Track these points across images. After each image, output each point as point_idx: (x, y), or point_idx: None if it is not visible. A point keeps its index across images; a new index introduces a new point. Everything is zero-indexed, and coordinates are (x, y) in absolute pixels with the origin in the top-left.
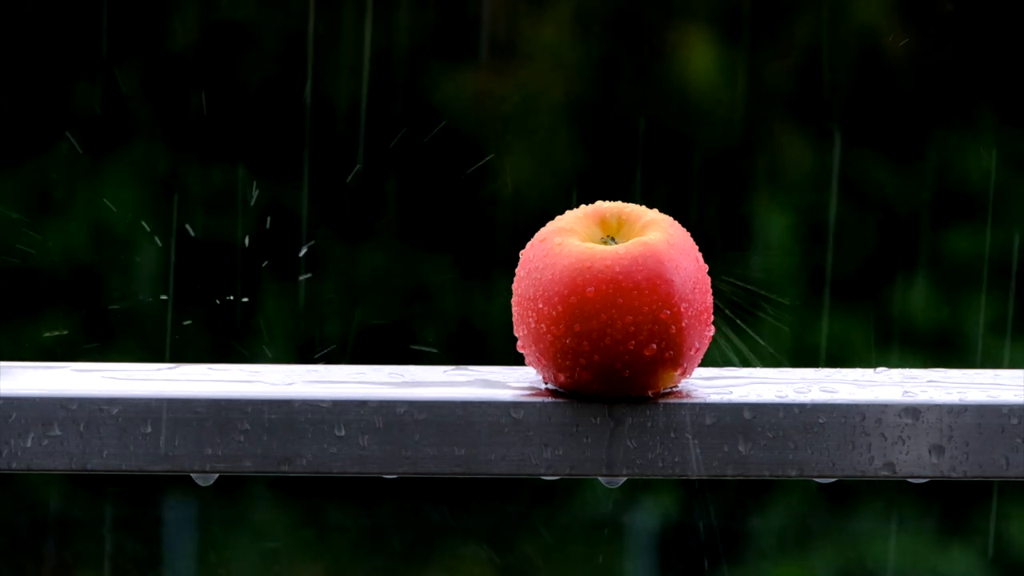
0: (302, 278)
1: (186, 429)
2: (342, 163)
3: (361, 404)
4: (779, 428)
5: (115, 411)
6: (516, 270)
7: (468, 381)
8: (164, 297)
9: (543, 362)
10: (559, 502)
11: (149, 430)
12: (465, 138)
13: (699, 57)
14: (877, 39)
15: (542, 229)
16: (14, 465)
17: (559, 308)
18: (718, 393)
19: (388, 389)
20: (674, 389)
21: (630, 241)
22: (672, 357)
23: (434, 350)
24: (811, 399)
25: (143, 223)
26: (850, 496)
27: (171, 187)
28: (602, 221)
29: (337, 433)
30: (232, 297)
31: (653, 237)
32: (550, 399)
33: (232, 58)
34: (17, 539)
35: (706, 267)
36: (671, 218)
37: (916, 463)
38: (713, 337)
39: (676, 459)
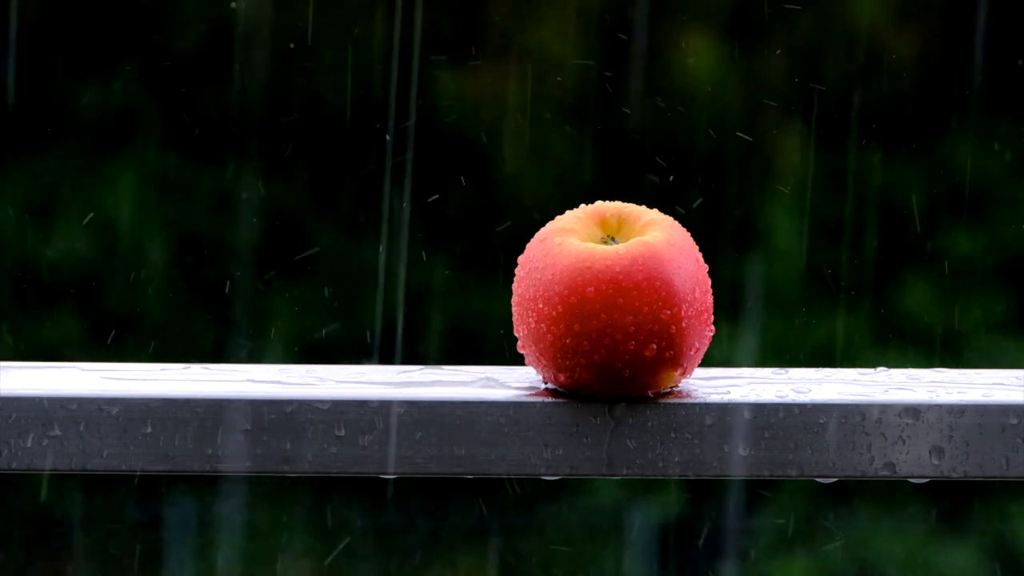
0: (303, 278)
1: (186, 429)
2: (342, 163)
3: (361, 404)
4: (779, 428)
5: (115, 411)
6: (516, 270)
7: (468, 381)
8: (165, 297)
9: (543, 362)
10: (559, 502)
11: (149, 430)
12: (465, 137)
13: (699, 57)
14: (878, 37)
15: (542, 229)
16: (14, 465)
17: (559, 308)
18: (718, 393)
19: (388, 389)
20: (674, 389)
21: (630, 241)
22: (672, 357)
23: (434, 350)
24: (811, 399)
25: (144, 223)
26: (850, 496)
27: (173, 187)
28: (602, 221)
29: (337, 433)
30: (233, 297)
31: (653, 237)
32: (550, 399)
33: (233, 58)
34: (17, 539)
35: (706, 267)
36: (671, 218)
37: (916, 463)
38: (713, 337)
39: (676, 459)
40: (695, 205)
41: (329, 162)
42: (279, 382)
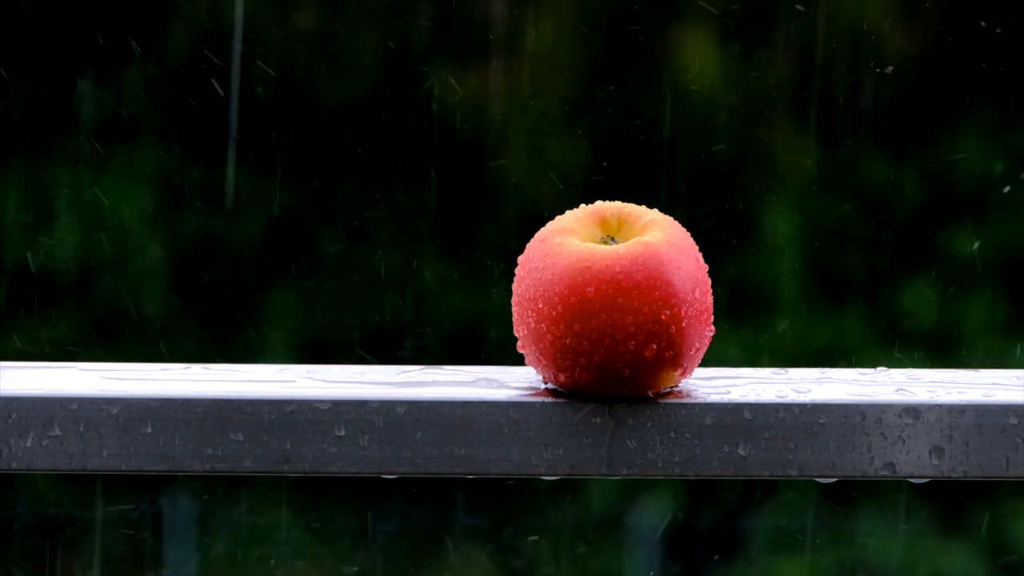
0: (302, 278)
1: (186, 429)
2: (342, 163)
3: (361, 404)
4: (779, 428)
5: (115, 411)
6: (516, 270)
7: (468, 381)
8: (165, 297)
9: (543, 362)
10: (559, 502)
11: (149, 430)
12: (464, 137)
13: (699, 56)
14: (878, 37)
15: (542, 229)
16: (14, 465)
17: (559, 308)
18: (718, 393)
19: (388, 389)
20: (674, 389)
21: (630, 241)
22: (672, 357)
23: (434, 350)
24: (811, 399)
25: (145, 223)
26: (850, 496)
27: (172, 187)
28: (602, 221)
29: (337, 433)
30: (233, 297)
31: (653, 237)
32: (550, 399)
33: (232, 57)
34: (17, 539)
35: (706, 267)
36: (671, 218)
37: (916, 463)
38: (713, 337)
39: (676, 459)
40: (695, 205)
41: (329, 162)
42: (279, 382)
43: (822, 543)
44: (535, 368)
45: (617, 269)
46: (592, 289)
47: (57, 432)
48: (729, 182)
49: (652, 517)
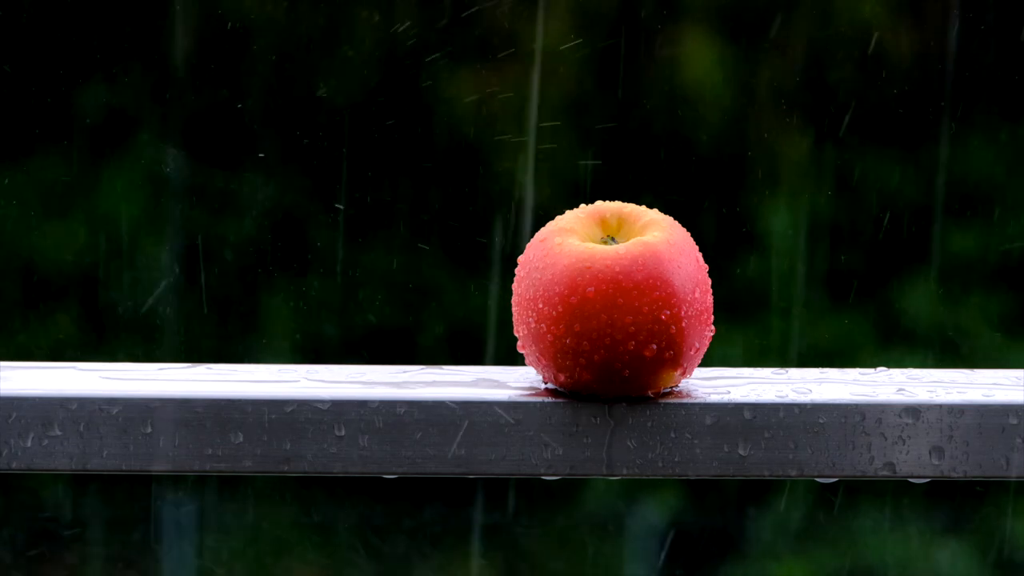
0: (303, 278)
1: (186, 429)
2: (342, 163)
3: (361, 404)
4: (779, 428)
5: (115, 411)
6: (516, 270)
7: (468, 381)
8: (165, 297)
9: (543, 362)
10: (559, 502)
11: (149, 430)
12: (464, 138)
13: (699, 57)
14: (878, 36)
15: (542, 229)
16: (14, 465)
17: (559, 308)
18: (718, 393)
19: (388, 389)
20: (674, 389)
21: (630, 241)
22: (672, 357)
23: (434, 350)
24: (811, 399)
25: (145, 223)
26: (851, 495)
27: (173, 187)
28: (602, 221)
29: (337, 433)
30: (233, 297)
31: (653, 237)
32: (550, 399)
33: (232, 58)
34: (17, 539)
35: (706, 267)
36: (671, 218)
37: (916, 463)
38: (713, 337)
39: (676, 459)
40: (694, 204)
41: (329, 162)
42: (279, 382)
43: (822, 543)
44: (535, 368)
45: (617, 269)
46: (592, 289)
47: (57, 432)
48: (729, 181)
49: (652, 517)
